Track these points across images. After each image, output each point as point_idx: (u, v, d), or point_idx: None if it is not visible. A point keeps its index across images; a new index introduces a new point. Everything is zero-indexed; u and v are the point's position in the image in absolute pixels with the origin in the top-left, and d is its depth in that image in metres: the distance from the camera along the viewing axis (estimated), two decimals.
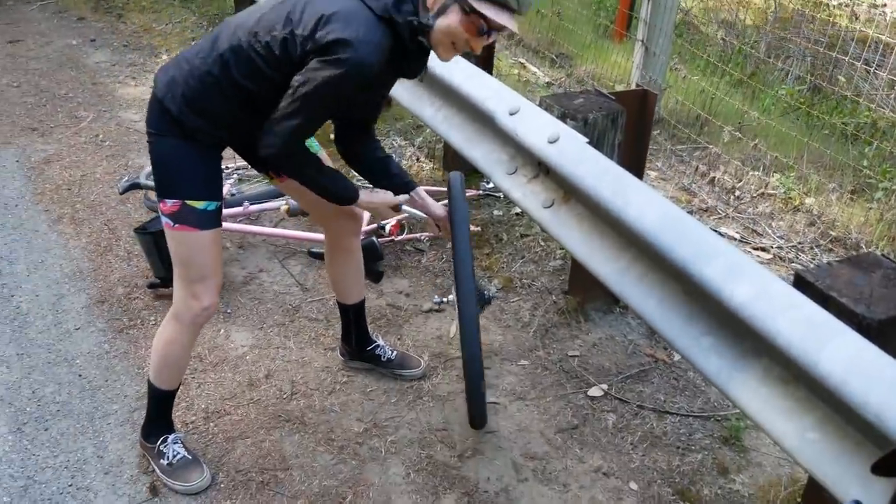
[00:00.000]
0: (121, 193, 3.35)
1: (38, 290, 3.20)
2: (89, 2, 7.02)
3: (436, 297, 2.72)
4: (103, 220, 3.69)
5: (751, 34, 5.98)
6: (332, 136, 2.38)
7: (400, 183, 2.38)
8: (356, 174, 2.54)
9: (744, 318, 1.87)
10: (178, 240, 2.13)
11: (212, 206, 2.12)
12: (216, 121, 2.08)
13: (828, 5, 6.07)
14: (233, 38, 2.00)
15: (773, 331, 1.78)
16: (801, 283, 1.89)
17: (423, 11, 1.94)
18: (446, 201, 2.40)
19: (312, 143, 2.40)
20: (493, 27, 1.92)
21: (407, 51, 1.99)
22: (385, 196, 2.31)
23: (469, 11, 1.90)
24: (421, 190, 2.41)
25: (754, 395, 1.87)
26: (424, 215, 2.50)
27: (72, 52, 5.85)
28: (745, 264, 1.94)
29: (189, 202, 2.09)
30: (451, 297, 2.65)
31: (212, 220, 2.13)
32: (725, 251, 2.00)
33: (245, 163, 2.71)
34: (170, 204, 2.09)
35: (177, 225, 2.10)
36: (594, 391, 2.77)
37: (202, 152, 2.11)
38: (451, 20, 1.92)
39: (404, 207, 2.58)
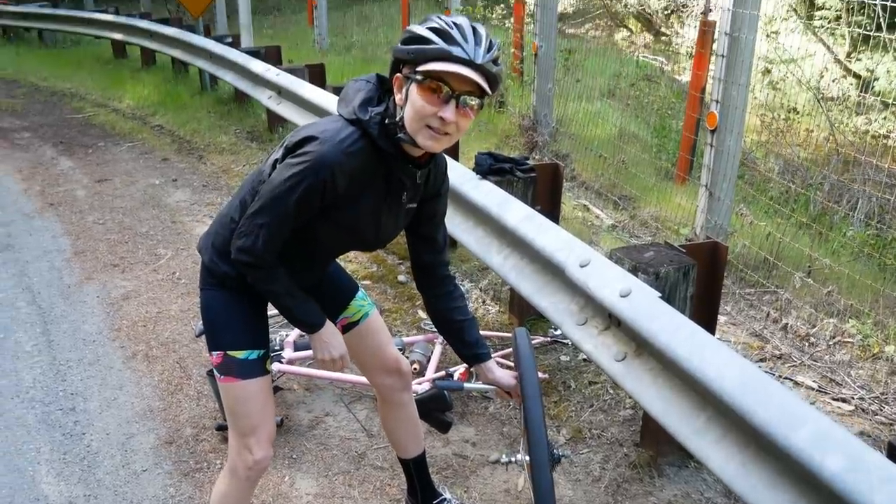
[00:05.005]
0: (197, 336, 3.44)
1: (108, 429, 3.25)
2: (174, 144, 7.48)
3: (503, 456, 2.64)
4: (175, 359, 3.77)
5: (813, 173, 5.97)
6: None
7: (470, 355, 2.34)
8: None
9: (836, 491, 1.77)
10: (225, 391, 2.16)
11: (253, 354, 2.13)
12: None
13: (891, 148, 6.07)
14: (251, 183, 2.09)
15: None
16: None
17: (397, 109, 1.90)
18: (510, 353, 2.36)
19: (365, 300, 2.42)
20: (453, 88, 1.81)
21: (390, 158, 1.95)
22: (339, 348, 2.17)
23: (423, 79, 1.81)
24: (491, 362, 2.35)
25: None
26: (490, 387, 2.40)
27: (154, 191, 6.19)
28: (834, 432, 1.86)
29: (230, 353, 2.11)
30: (520, 455, 2.57)
31: (254, 369, 2.13)
32: (812, 417, 1.92)
33: None
34: (215, 356, 2.13)
35: (222, 377, 2.13)
36: None
37: (241, 300, 2.13)
38: (413, 99, 1.84)
39: (468, 385, 2.53)
